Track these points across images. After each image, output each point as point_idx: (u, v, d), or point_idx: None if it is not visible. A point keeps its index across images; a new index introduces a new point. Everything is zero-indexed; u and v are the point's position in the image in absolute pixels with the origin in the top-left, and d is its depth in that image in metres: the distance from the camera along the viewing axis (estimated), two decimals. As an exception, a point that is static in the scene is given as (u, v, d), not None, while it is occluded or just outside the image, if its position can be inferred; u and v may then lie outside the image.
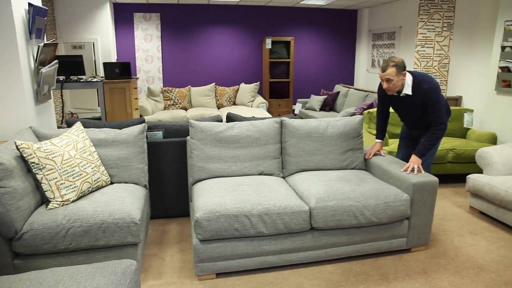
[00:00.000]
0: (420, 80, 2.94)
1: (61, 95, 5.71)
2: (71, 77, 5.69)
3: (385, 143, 4.56)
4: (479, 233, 3.33)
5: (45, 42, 3.64)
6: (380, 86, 3.18)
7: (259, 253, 2.64)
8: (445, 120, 2.93)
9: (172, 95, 7.63)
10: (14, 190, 2.23)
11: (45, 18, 3.69)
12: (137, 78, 6.56)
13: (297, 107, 7.82)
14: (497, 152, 3.69)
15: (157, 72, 8.35)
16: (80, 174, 2.58)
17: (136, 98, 6.27)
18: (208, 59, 8.58)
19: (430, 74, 3.05)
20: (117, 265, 1.78)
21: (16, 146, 2.39)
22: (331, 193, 2.73)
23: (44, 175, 2.43)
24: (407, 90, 2.96)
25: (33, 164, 2.41)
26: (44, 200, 2.52)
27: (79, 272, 1.72)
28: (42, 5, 3.80)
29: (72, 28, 7.29)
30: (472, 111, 5.03)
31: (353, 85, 9.18)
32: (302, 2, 7.93)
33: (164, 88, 7.66)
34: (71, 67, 5.74)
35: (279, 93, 8.72)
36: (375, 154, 3.41)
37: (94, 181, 2.69)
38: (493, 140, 4.73)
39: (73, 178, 2.53)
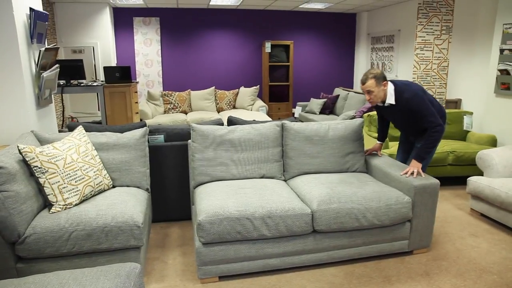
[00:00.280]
0: (401, 89, 2.95)
1: (62, 99, 5.72)
2: (72, 81, 5.70)
3: (386, 146, 4.57)
4: (480, 235, 3.34)
5: (46, 46, 3.65)
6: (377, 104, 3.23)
7: (261, 256, 2.64)
8: (438, 121, 2.92)
9: (172, 99, 7.64)
10: (17, 194, 2.23)
11: (46, 22, 3.71)
12: (137, 82, 6.58)
13: (297, 111, 7.83)
14: (498, 154, 3.70)
15: (157, 76, 8.37)
16: (83, 178, 2.59)
17: (137, 102, 6.28)
18: (207, 63, 8.60)
19: (414, 82, 3.06)
20: (121, 268, 1.78)
21: (19, 150, 2.40)
22: (333, 196, 2.74)
23: (47, 179, 2.43)
24: (390, 99, 2.97)
25: (35, 168, 2.42)
26: (46, 204, 2.52)
27: (84, 275, 1.72)
28: (43, 10, 3.82)
29: (72, 32, 7.31)
30: (471, 113, 5.05)
31: (352, 88, 9.21)
32: (301, 6, 7.96)
33: (164, 92, 7.67)
34: (72, 71, 5.75)
35: (279, 96, 8.74)
36: (373, 155, 3.45)
37: (97, 184, 2.69)
38: (492, 142, 4.75)
39: (75, 181, 2.53)
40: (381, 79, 2.93)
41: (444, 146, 4.52)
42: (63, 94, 5.51)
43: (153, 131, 3.41)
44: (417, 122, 3.03)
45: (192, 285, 2.60)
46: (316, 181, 3.01)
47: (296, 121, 3.45)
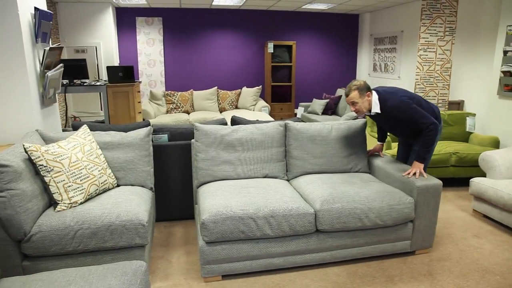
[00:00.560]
0: (384, 98, 2.97)
1: (65, 98, 5.74)
2: (75, 80, 5.72)
3: (388, 147, 4.58)
4: (483, 236, 3.34)
5: (51, 46, 3.66)
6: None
7: (264, 255, 2.66)
8: (430, 120, 2.92)
9: (175, 99, 7.66)
10: (23, 192, 2.25)
11: (51, 22, 3.72)
12: (140, 82, 6.59)
13: (299, 111, 7.84)
14: (501, 155, 3.71)
15: (160, 76, 8.38)
16: (88, 177, 2.60)
17: (139, 102, 6.29)
18: (210, 63, 8.61)
19: (400, 88, 3.07)
20: (127, 266, 1.79)
21: (25, 149, 2.41)
22: (336, 196, 2.75)
23: (52, 178, 2.45)
24: (376, 108, 2.99)
25: (41, 167, 2.43)
26: (52, 202, 2.53)
27: (90, 272, 1.73)
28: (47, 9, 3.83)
29: (75, 32, 7.33)
30: (474, 115, 5.06)
31: (354, 89, 9.17)
32: (304, 7, 7.97)
33: (166, 92, 7.69)
34: (75, 71, 5.77)
35: (281, 97, 8.75)
36: (375, 155, 3.47)
37: (101, 183, 2.70)
38: (495, 144, 4.75)
39: (80, 180, 2.55)
40: (364, 89, 2.96)
41: (447, 147, 4.53)
42: (66, 94, 5.52)
43: (157, 130, 3.42)
44: (408, 127, 3.05)
45: (196, 284, 2.61)
46: (319, 181, 3.02)
47: (299, 122, 3.46)
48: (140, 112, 6.23)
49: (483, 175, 4.35)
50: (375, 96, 2.99)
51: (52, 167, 2.44)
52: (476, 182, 3.66)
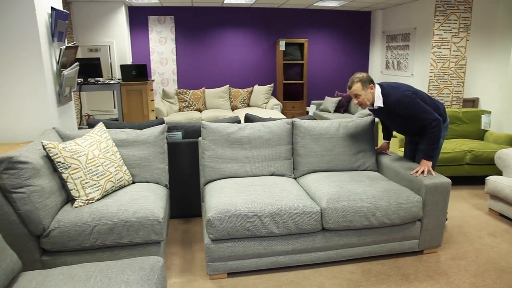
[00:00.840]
0: (387, 92, 2.94)
1: (79, 97, 5.81)
2: (89, 79, 5.78)
3: (401, 145, 4.54)
4: (499, 235, 3.30)
5: (67, 45, 3.71)
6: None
7: (270, 253, 2.65)
8: (433, 116, 2.88)
9: (187, 97, 7.70)
10: (41, 189, 2.29)
11: (66, 21, 3.77)
12: (152, 80, 6.64)
13: (311, 109, 7.82)
14: (517, 153, 3.65)
15: (172, 74, 8.43)
16: (104, 173, 2.63)
17: (152, 100, 6.34)
18: (222, 61, 8.64)
19: (401, 82, 3.03)
20: (145, 261, 1.81)
21: (43, 146, 2.45)
22: (342, 194, 2.73)
23: (70, 174, 2.48)
24: (378, 102, 2.96)
25: (59, 164, 2.47)
26: (69, 199, 2.58)
27: (109, 267, 1.76)
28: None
29: (88, 31, 7.41)
30: (489, 112, 4.99)
31: (366, 87, 9.12)
32: (315, 4, 7.94)
33: (178, 90, 7.73)
34: (89, 69, 5.84)
35: (293, 95, 8.73)
36: (383, 153, 3.44)
37: (117, 180, 2.74)
38: (511, 141, 4.68)
39: (97, 177, 2.58)
40: (367, 82, 2.94)
41: (462, 145, 4.48)
42: (80, 92, 5.59)
43: (171, 128, 3.45)
44: (411, 123, 3.01)
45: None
46: (326, 179, 3.00)
47: (311, 120, 3.45)
48: (153, 110, 6.28)
49: (499, 173, 4.30)
50: (378, 90, 2.96)
51: (69, 164, 2.48)
52: (492, 181, 3.61)
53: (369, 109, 3.12)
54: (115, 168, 2.74)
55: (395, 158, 3.31)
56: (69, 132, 2.97)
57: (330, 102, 7.49)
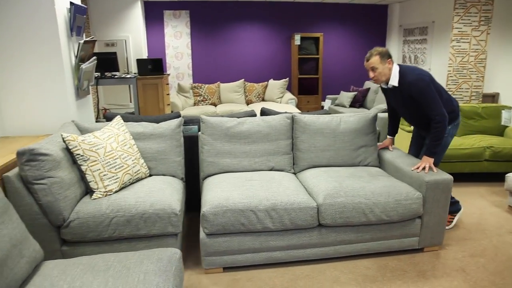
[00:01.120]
0: (405, 71, 2.87)
1: (96, 91, 5.89)
2: (106, 73, 5.85)
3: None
4: (519, 232, 3.24)
5: (85, 39, 3.76)
6: (381, 87, 3.17)
7: (266, 248, 2.64)
8: (440, 111, 2.81)
9: (202, 91, 7.73)
10: (61, 180, 2.33)
11: (85, 16, 3.81)
12: (168, 75, 6.68)
13: (327, 104, 7.76)
14: (539, 149, 3.57)
15: (187, 68, 8.47)
16: (122, 166, 2.67)
17: (168, 94, 6.39)
18: (237, 56, 8.63)
19: (420, 67, 2.94)
20: (162, 253, 1.84)
21: (63, 139, 2.49)
22: (340, 190, 2.69)
23: (89, 166, 2.52)
24: (394, 81, 2.89)
25: (78, 156, 2.51)
26: (88, 191, 2.62)
27: (127, 258, 1.79)
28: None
29: (105, 26, 7.49)
30: (510, 108, 4.88)
31: (383, 82, 9.01)
32: (332, -2, 7.86)
33: (194, 84, 7.77)
34: (106, 64, 5.90)
35: (308, 89, 8.68)
36: (385, 149, 3.39)
37: (135, 173, 2.77)
38: (532, 137, 4.58)
39: (115, 169, 2.62)
40: (386, 56, 2.88)
41: (481, 141, 4.40)
42: (97, 86, 5.67)
43: (187, 121, 3.47)
44: (419, 109, 2.93)
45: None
46: (325, 175, 2.96)
47: (326, 114, 3.42)
48: (168, 104, 6.32)
49: (519, 170, 4.21)
50: (396, 68, 2.90)
51: (88, 156, 2.52)
52: (512, 177, 3.54)
53: (382, 88, 3.08)
54: (132, 160, 2.77)
55: (397, 154, 3.24)
56: (88, 125, 3.02)
57: (346, 96, 7.43)
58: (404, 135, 4.66)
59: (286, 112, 3.50)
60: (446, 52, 6.74)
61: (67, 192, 2.35)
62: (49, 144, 2.38)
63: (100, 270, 1.68)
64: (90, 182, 2.53)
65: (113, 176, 2.59)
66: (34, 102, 3.33)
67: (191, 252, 2.91)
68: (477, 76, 5.87)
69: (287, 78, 8.13)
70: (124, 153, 2.74)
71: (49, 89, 3.34)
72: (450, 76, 6.30)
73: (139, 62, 5.94)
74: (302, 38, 8.41)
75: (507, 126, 4.89)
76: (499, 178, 4.63)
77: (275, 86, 7.95)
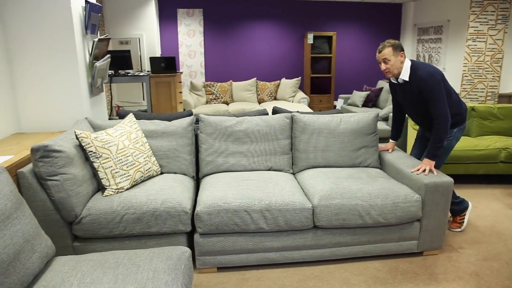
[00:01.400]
0: (416, 66, 2.83)
1: (110, 88, 5.94)
2: (119, 71, 5.90)
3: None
4: (535, 236, 3.17)
5: (99, 37, 3.79)
6: (390, 82, 3.13)
7: (260, 249, 2.61)
8: (445, 111, 2.75)
9: (214, 90, 7.75)
10: (74, 177, 2.36)
11: (99, 14, 3.85)
12: (181, 73, 6.71)
13: (339, 103, 7.71)
14: (557, 152, 3.48)
15: (200, 67, 8.49)
16: (133, 164, 2.69)
17: (180, 92, 6.41)
18: (249, 54, 8.63)
19: (433, 65, 2.89)
20: (172, 251, 1.84)
21: (76, 136, 2.52)
22: (336, 191, 2.65)
23: (101, 164, 2.55)
24: (405, 75, 2.85)
25: (90, 153, 2.54)
26: (100, 187, 2.65)
27: (137, 255, 1.80)
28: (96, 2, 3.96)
29: (119, 24, 7.55)
30: (527, 108, 4.77)
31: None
32: (345, -4, 7.79)
33: (206, 83, 7.79)
34: (119, 61, 5.95)
35: (320, 88, 8.64)
36: (386, 151, 3.34)
37: (146, 170, 2.79)
38: (550, 139, 4.47)
39: (127, 167, 2.64)
40: (398, 48, 2.84)
41: (496, 143, 4.32)
42: (111, 84, 5.72)
43: (199, 120, 3.47)
44: (426, 108, 2.89)
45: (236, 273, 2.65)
46: (323, 176, 2.92)
47: (339, 114, 3.39)
48: (181, 102, 6.35)
49: (536, 172, 4.12)
50: (407, 63, 2.87)
51: (100, 153, 2.55)
52: (529, 180, 3.47)
53: (390, 84, 3.04)
54: (144, 158, 2.79)
55: (398, 155, 3.18)
56: (101, 122, 3.05)
57: (358, 96, 7.37)
58: (414, 134, 4.60)
59: (298, 112, 3.49)
60: (461, 52, 6.63)
61: (79, 188, 2.37)
62: (63, 141, 2.41)
63: (110, 267, 1.70)
64: (102, 179, 2.56)
65: (124, 174, 2.61)
66: (49, 99, 3.38)
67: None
68: (493, 76, 5.76)
69: (300, 77, 8.10)
70: (136, 150, 2.76)
71: (63, 87, 3.38)
72: (465, 76, 6.20)
73: (152, 60, 5.98)
74: (315, 37, 8.36)
75: (524, 128, 4.78)
76: (515, 180, 4.55)
77: (287, 85, 7.93)
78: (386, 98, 7.12)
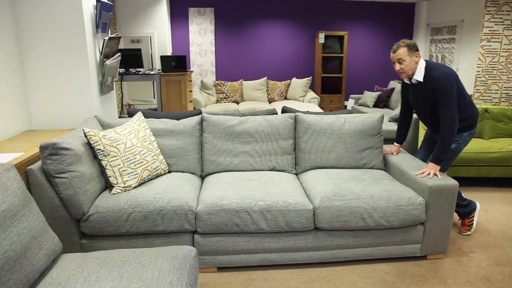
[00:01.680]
0: (432, 67, 2.77)
1: (121, 86, 5.98)
2: (130, 69, 5.94)
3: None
4: (549, 241, 3.10)
5: (110, 35, 3.81)
6: (403, 82, 3.08)
7: (260, 250, 2.59)
8: (453, 113, 2.70)
9: (225, 89, 7.75)
10: (82, 175, 2.37)
11: (110, 13, 3.87)
12: (191, 71, 6.73)
13: (350, 103, 7.65)
14: None
15: (210, 65, 8.50)
16: (141, 162, 2.69)
17: (191, 91, 6.43)
18: (260, 53, 8.61)
19: (448, 65, 2.83)
20: (177, 250, 1.84)
21: (84, 134, 2.54)
22: (338, 192, 2.62)
23: (109, 162, 2.56)
24: (419, 76, 2.81)
25: (98, 151, 2.55)
26: (107, 185, 2.66)
27: (143, 254, 1.80)
28: (107, 0, 3.98)
29: (131, 23, 7.60)
30: (543, 110, 4.67)
31: (408, 82, 8.81)
32: (358, -4, 7.73)
33: (216, 82, 7.79)
34: (131, 60, 5.99)
35: (331, 88, 8.58)
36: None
37: (154, 169, 2.79)
38: None
39: (134, 165, 2.65)
40: (413, 48, 2.80)
41: (510, 145, 4.23)
42: (122, 82, 5.75)
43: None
44: (437, 109, 2.83)
45: (247, 272, 2.64)
46: (326, 177, 2.89)
47: (349, 114, 3.36)
48: (191, 101, 6.36)
49: (551, 176, 4.03)
50: (422, 63, 2.82)
51: (108, 151, 2.56)
52: (543, 184, 3.39)
53: (402, 85, 3.00)
54: (152, 157, 2.80)
55: (403, 157, 3.13)
56: (110, 120, 3.06)
57: (369, 96, 7.30)
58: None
59: (307, 112, 3.46)
60: (475, 52, 6.52)
61: (87, 186, 2.39)
62: (71, 139, 2.43)
63: (116, 265, 1.70)
64: (109, 177, 2.57)
65: (132, 172, 2.62)
66: (59, 97, 3.41)
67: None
68: (507, 77, 5.65)
69: (310, 77, 8.06)
70: (144, 149, 2.76)
71: (74, 85, 3.41)
72: (479, 77, 6.09)
73: (163, 58, 6.00)
74: (326, 37, 8.31)
75: (539, 130, 4.68)
76: (528, 184, 4.45)
77: (298, 84, 7.89)
78: (398, 99, 7.04)
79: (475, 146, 4.21)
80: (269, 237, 2.58)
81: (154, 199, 2.47)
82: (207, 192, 2.64)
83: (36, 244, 1.66)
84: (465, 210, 3.15)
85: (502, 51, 5.55)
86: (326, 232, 2.63)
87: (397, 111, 5.90)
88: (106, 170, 2.56)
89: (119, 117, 4.39)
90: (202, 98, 7.46)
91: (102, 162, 2.56)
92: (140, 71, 5.94)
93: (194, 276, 1.79)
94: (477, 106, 4.44)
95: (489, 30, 5.48)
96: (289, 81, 8.08)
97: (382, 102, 7.26)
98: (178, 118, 3.29)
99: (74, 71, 3.39)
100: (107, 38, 3.64)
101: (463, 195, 3.21)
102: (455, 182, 2.64)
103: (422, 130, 4.69)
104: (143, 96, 7.81)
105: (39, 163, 2.35)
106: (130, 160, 2.63)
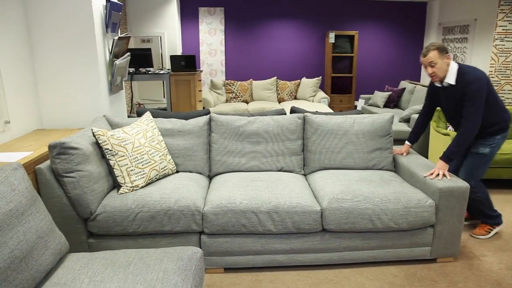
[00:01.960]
0: (465, 71, 2.72)
1: (131, 86, 6.01)
2: (140, 69, 5.96)
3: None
4: None
5: (119, 35, 3.83)
6: (431, 84, 3.03)
7: (267, 251, 2.58)
8: (476, 117, 2.65)
9: (234, 88, 7.74)
10: (90, 174, 2.38)
11: (120, 13, 3.89)
12: (201, 71, 6.74)
13: (360, 103, 7.59)
14: None
15: (220, 65, 8.51)
16: (149, 162, 2.70)
17: (200, 90, 6.44)
18: (270, 53, 8.59)
19: (480, 69, 2.77)
20: (183, 251, 1.83)
21: (93, 133, 2.55)
22: (346, 194, 2.58)
23: (117, 161, 2.57)
24: (450, 79, 2.75)
25: (107, 150, 2.56)
26: (115, 185, 2.67)
27: (148, 255, 1.80)
28: (117, 0, 4.00)
29: (141, 22, 7.63)
30: (558, 111, 4.57)
31: (419, 82, 8.73)
32: (368, -5, 7.65)
33: (226, 81, 7.79)
34: (140, 59, 6.02)
35: (341, 88, 8.52)
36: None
37: (161, 169, 2.80)
38: None
39: (142, 165, 2.65)
40: (444, 51, 2.74)
41: (524, 147, 4.15)
42: (132, 81, 5.78)
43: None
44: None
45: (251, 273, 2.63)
46: (334, 178, 2.86)
47: (359, 114, 3.32)
48: (200, 101, 6.37)
49: None
50: (454, 65, 2.76)
51: (116, 151, 2.56)
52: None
53: (430, 87, 2.95)
54: (159, 157, 2.80)
55: (413, 159, 3.08)
56: (118, 120, 3.07)
57: (380, 96, 7.23)
58: (440, 138, 4.47)
59: (317, 112, 3.43)
60: (488, 52, 6.41)
61: (95, 185, 2.40)
62: (80, 138, 2.44)
63: (121, 265, 1.70)
64: (117, 176, 2.58)
65: (140, 172, 2.63)
66: (69, 97, 3.44)
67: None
68: (522, 78, 5.54)
69: (320, 77, 8.01)
70: (152, 149, 2.77)
71: (83, 84, 3.43)
72: (492, 77, 5.99)
73: (173, 58, 6.02)
74: (336, 36, 8.25)
75: (553, 132, 4.59)
76: (542, 186, 4.36)
77: (308, 84, 7.85)
78: (408, 99, 6.96)
79: (487, 148, 4.13)
80: (276, 238, 2.56)
81: (161, 199, 2.47)
82: (215, 193, 2.64)
83: (43, 244, 1.67)
84: (492, 221, 3.11)
85: (516, 51, 5.45)
86: (334, 234, 2.60)
87: (407, 112, 5.83)
88: (114, 170, 2.57)
89: (129, 116, 4.41)
90: (212, 97, 7.46)
91: (110, 161, 2.57)
92: (150, 71, 5.96)
93: (199, 278, 1.78)
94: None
95: (503, 29, 5.38)
96: (299, 81, 8.04)
97: (392, 102, 7.18)
98: (186, 118, 3.29)
99: (84, 71, 3.41)
100: (116, 38, 3.66)
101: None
102: (466, 184, 2.60)
103: (433, 131, 4.63)
104: (153, 96, 7.84)
105: (48, 162, 2.37)
106: (137, 160, 2.64)
